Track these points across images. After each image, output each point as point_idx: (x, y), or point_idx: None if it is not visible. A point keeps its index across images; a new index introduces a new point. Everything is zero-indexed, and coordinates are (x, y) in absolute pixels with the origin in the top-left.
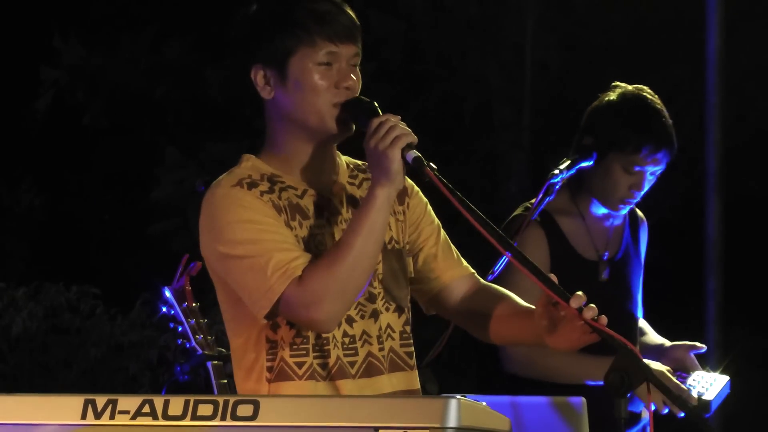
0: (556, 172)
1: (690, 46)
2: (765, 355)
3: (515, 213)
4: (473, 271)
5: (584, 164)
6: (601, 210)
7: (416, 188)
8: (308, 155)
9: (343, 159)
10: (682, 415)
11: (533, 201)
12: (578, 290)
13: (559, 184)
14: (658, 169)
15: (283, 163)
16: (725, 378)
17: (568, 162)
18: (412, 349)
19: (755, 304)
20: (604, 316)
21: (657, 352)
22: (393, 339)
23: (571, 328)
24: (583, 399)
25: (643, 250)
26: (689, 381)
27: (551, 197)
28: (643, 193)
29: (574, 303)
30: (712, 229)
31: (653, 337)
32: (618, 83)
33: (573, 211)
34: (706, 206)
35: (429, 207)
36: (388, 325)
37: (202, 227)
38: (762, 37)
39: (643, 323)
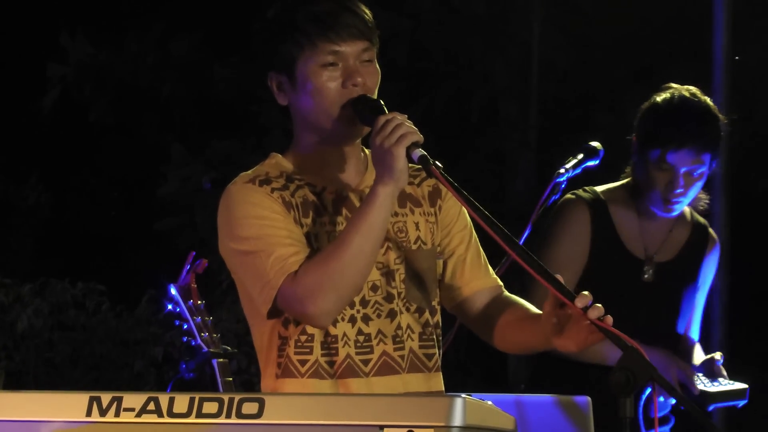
0: (562, 171)
1: (696, 45)
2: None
3: (563, 198)
4: (498, 282)
5: (590, 163)
6: (660, 216)
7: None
8: (328, 154)
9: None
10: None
11: (586, 186)
12: (618, 283)
13: (565, 183)
14: (697, 168)
15: (305, 162)
16: (743, 385)
17: (574, 161)
18: (435, 351)
19: (761, 304)
20: (609, 316)
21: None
22: (413, 339)
23: (578, 328)
24: (589, 398)
25: (705, 271)
26: (712, 382)
27: (557, 196)
28: (691, 194)
29: (580, 303)
30: (718, 229)
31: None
32: (671, 84)
33: (630, 204)
34: (713, 206)
35: (464, 210)
36: (408, 326)
37: (218, 223)
38: None
39: (697, 349)
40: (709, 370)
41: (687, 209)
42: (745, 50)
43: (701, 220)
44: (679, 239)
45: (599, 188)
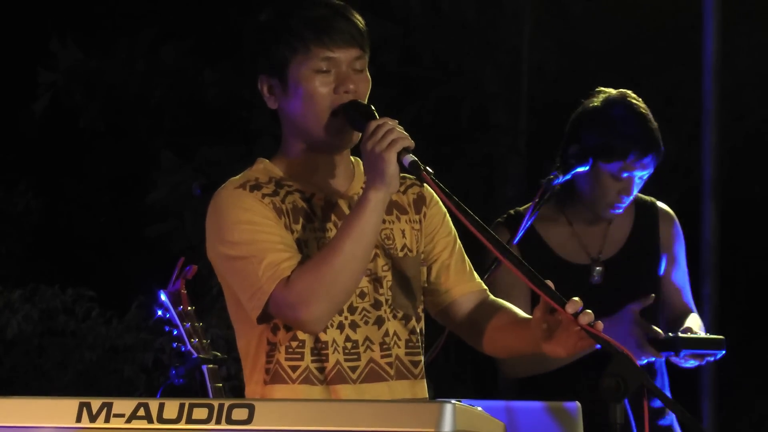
0: (552, 176)
1: (686, 50)
2: (761, 361)
3: (498, 221)
4: (483, 286)
5: (580, 169)
6: (602, 215)
7: (435, 198)
8: (317, 160)
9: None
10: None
11: (515, 209)
12: (565, 293)
13: (552, 190)
14: (646, 173)
15: (293, 167)
16: (719, 336)
17: (563, 167)
18: (420, 358)
19: (750, 308)
20: (600, 321)
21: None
22: (399, 347)
23: (568, 334)
24: (578, 404)
25: (669, 248)
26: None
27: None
28: (631, 198)
29: (570, 308)
30: (708, 233)
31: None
32: (602, 88)
33: (558, 218)
34: (703, 210)
35: (447, 218)
36: (395, 333)
37: (207, 228)
38: (758, 42)
39: (691, 321)
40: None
41: None
42: (734, 56)
43: (646, 198)
44: (621, 229)
45: (522, 207)
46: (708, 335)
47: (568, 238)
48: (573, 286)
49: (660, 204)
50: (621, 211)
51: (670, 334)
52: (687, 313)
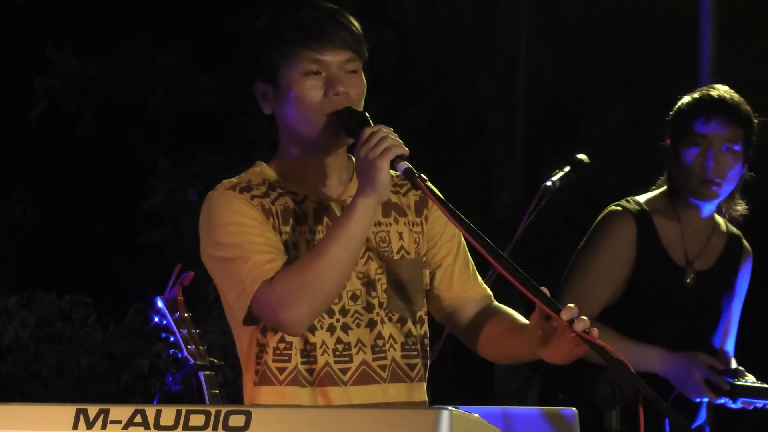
0: (549, 183)
1: (682, 58)
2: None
3: (608, 209)
4: (488, 291)
5: (572, 176)
6: (698, 217)
7: None
8: (311, 163)
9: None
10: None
11: (636, 197)
12: (663, 290)
13: (546, 196)
14: (731, 144)
15: (288, 170)
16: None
17: (561, 174)
18: (418, 361)
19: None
20: (595, 328)
21: None
22: (395, 349)
23: (563, 340)
24: (575, 410)
25: (740, 282)
26: (732, 377)
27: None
28: (728, 178)
29: (565, 315)
30: None
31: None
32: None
33: (671, 213)
34: None
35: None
36: (390, 335)
37: (200, 230)
38: (754, 50)
39: (732, 363)
40: (736, 375)
41: (722, 220)
42: (730, 64)
43: (735, 230)
44: (716, 248)
45: (641, 198)
46: (763, 385)
47: (675, 236)
48: (669, 284)
49: (744, 240)
50: (717, 190)
51: (730, 381)
52: (729, 353)
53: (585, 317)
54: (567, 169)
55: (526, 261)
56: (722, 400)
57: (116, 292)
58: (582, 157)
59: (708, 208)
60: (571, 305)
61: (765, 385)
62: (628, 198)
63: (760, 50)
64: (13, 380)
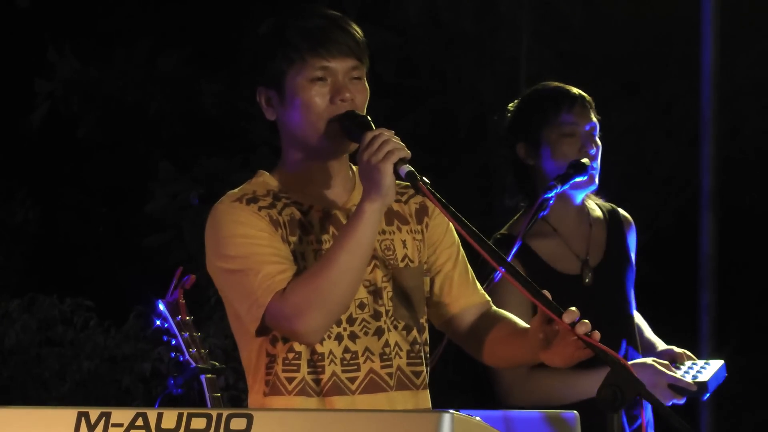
0: (550, 186)
1: (685, 61)
2: (759, 370)
3: (497, 235)
4: (486, 297)
5: (578, 179)
6: (573, 216)
7: (437, 209)
8: (315, 172)
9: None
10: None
11: (502, 230)
12: (563, 306)
13: (553, 199)
14: (594, 127)
15: (292, 180)
16: (719, 362)
17: (562, 176)
18: (422, 368)
19: (749, 319)
20: (597, 331)
21: (649, 352)
22: (401, 357)
23: (565, 343)
24: (576, 413)
25: (631, 250)
26: (683, 369)
27: (545, 212)
28: (597, 156)
29: (567, 318)
30: (706, 243)
31: (648, 335)
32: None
33: (546, 230)
34: (701, 220)
35: (450, 228)
36: (396, 343)
37: (206, 242)
38: (757, 52)
39: (639, 319)
40: (671, 356)
41: (592, 205)
42: (732, 66)
43: (608, 205)
44: (600, 237)
45: (507, 230)
46: (713, 367)
47: (557, 247)
48: (569, 295)
49: (621, 210)
50: (595, 173)
51: (692, 380)
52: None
53: (586, 320)
54: (568, 171)
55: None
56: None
57: (118, 296)
58: (583, 160)
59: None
60: (573, 309)
61: (716, 366)
62: (497, 234)
63: (762, 53)
64: (15, 383)
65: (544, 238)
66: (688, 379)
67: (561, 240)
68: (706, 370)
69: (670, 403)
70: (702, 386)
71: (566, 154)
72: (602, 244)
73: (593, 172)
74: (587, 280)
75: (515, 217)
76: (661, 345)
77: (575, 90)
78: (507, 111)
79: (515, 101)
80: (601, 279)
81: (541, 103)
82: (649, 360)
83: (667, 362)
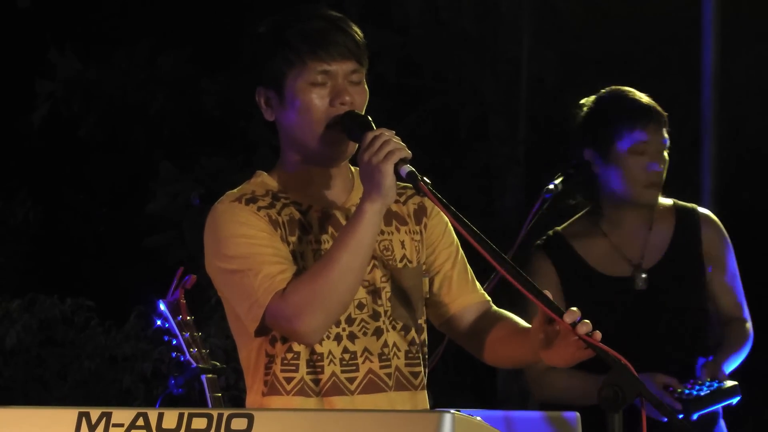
0: (551, 187)
1: (685, 60)
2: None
3: (550, 233)
4: (486, 297)
5: (578, 178)
6: (630, 221)
7: (437, 208)
8: (314, 172)
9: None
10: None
11: (558, 227)
12: (607, 309)
13: (548, 200)
14: (666, 141)
15: (291, 180)
16: (732, 383)
17: (562, 177)
18: (420, 369)
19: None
20: (597, 331)
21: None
22: (399, 358)
23: (566, 343)
24: (578, 414)
25: (712, 253)
26: (695, 388)
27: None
28: (662, 171)
29: (568, 318)
30: None
31: (726, 345)
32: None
33: (593, 232)
34: None
35: (449, 228)
36: (395, 344)
37: (205, 242)
38: (758, 52)
39: (727, 345)
40: (712, 372)
41: (662, 206)
42: (733, 66)
43: (687, 205)
44: (663, 235)
45: (561, 227)
46: (719, 386)
47: (607, 251)
48: (616, 299)
49: (701, 209)
50: (659, 188)
51: (684, 396)
52: (735, 321)
53: (587, 321)
54: (569, 172)
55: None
56: (681, 416)
57: (118, 296)
58: (589, 156)
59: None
60: (574, 309)
61: (722, 386)
62: (548, 232)
63: (763, 53)
64: (16, 383)
65: (591, 240)
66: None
67: (610, 243)
68: (709, 389)
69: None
70: (686, 405)
71: (633, 171)
72: (663, 246)
73: (658, 188)
74: (640, 284)
75: (574, 218)
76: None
77: (650, 103)
78: (580, 107)
79: (589, 100)
80: (659, 282)
81: (617, 116)
82: (651, 375)
83: (664, 379)
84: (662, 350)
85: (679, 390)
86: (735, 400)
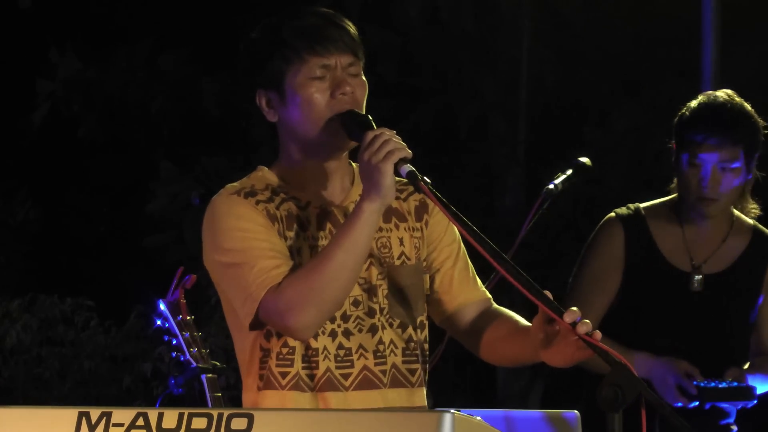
0: (551, 186)
1: (685, 61)
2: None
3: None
4: (487, 295)
5: (577, 178)
6: (705, 221)
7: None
8: (315, 169)
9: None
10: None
11: (642, 203)
12: (663, 296)
13: (548, 200)
14: (728, 163)
15: (291, 176)
16: (748, 384)
17: (563, 177)
18: (418, 366)
19: None
20: (598, 331)
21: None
22: (395, 355)
23: (566, 343)
24: (578, 413)
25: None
26: (715, 382)
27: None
28: (727, 193)
29: (568, 318)
30: None
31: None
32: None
33: (673, 217)
34: None
35: (451, 225)
36: (391, 341)
37: (203, 234)
38: (757, 52)
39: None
40: (736, 375)
41: (744, 218)
42: (733, 66)
43: (763, 229)
44: (734, 249)
45: (644, 204)
46: (737, 385)
47: (677, 242)
48: (673, 290)
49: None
50: (714, 207)
51: (701, 384)
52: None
53: (588, 320)
54: (569, 172)
55: (529, 264)
56: (695, 404)
57: (118, 296)
58: (584, 160)
59: (707, 218)
60: (574, 308)
61: (737, 386)
62: (629, 204)
63: (762, 54)
64: (16, 383)
65: (667, 226)
66: (697, 385)
67: (683, 236)
68: (729, 387)
69: (679, 405)
70: (701, 392)
71: (687, 181)
72: (731, 258)
73: (711, 206)
74: (696, 285)
75: (658, 200)
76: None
77: (729, 120)
78: (688, 107)
79: (697, 100)
80: (716, 289)
81: (693, 128)
82: (672, 360)
83: (690, 368)
84: (699, 353)
85: (699, 380)
86: (751, 404)
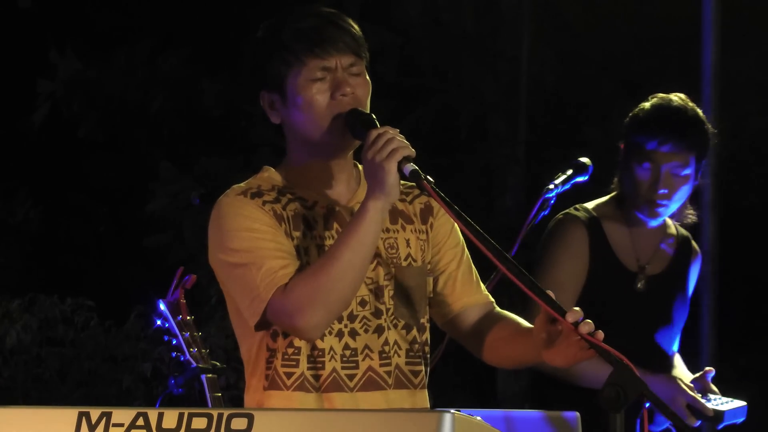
0: (551, 186)
1: (685, 59)
2: (759, 370)
3: (557, 218)
4: (490, 298)
5: (579, 179)
6: (646, 222)
7: (443, 209)
8: (320, 169)
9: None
10: (698, 424)
11: (585, 204)
12: (614, 296)
13: (554, 199)
14: (681, 169)
15: (297, 176)
16: (742, 403)
17: (563, 177)
18: (421, 368)
19: (749, 319)
20: (600, 331)
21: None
22: (399, 356)
23: (568, 343)
24: (578, 414)
25: (690, 284)
26: (713, 399)
27: (546, 212)
28: (676, 198)
29: (571, 318)
30: (706, 243)
31: (681, 370)
32: (659, 94)
33: (619, 217)
34: (702, 220)
35: (455, 228)
36: (395, 342)
37: (209, 235)
38: (758, 51)
39: (677, 359)
40: (702, 386)
41: (671, 223)
42: (733, 65)
43: (684, 232)
44: (666, 252)
45: (589, 205)
46: (736, 404)
47: (625, 242)
48: (622, 291)
49: (693, 241)
50: (663, 214)
51: (710, 406)
52: (673, 351)
53: (590, 320)
54: (569, 172)
55: (529, 264)
56: (698, 423)
57: (118, 296)
58: (584, 160)
59: (654, 221)
60: (577, 309)
61: (738, 404)
62: (577, 205)
63: (763, 53)
64: (16, 383)
65: (616, 225)
66: (711, 406)
67: (630, 236)
68: (728, 404)
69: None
70: (719, 415)
71: (637, 183)
72: (667, 261)
73: (661, 209)
74: (640, 285)
75: (602, 199)
76: (690, 376)
77: (685, 126)
78: (641, 109)
79: (650, 102)
80: (656, 290)
81: (648, 132)
82: (678, 377)
83: (691, 384)
84: (642, 352)
85: (707, 398)
86: (740, 420)
